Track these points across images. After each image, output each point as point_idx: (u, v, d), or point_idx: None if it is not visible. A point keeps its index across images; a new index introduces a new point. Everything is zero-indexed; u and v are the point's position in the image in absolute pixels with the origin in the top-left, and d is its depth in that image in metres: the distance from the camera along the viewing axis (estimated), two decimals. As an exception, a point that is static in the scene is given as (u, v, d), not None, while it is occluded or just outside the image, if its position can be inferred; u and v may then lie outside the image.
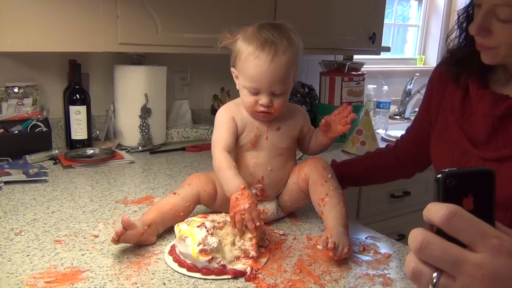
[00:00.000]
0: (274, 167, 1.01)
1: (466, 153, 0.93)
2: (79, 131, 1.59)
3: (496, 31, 0.81)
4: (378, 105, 2.38)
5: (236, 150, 1.00)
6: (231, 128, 0.98)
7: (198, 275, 0.79)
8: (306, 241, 0.96)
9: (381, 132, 2.20)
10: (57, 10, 1.33)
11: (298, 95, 2.07)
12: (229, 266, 0.81)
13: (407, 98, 2.64)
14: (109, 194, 1.20)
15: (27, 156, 1.43)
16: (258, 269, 0.82)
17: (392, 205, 1.85)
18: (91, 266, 0.81)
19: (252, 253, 0.83)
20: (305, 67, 2.24)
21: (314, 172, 0.98)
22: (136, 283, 0.76)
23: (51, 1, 1.32)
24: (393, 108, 2.63)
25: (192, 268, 0.80)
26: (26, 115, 1.54)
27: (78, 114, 1.58)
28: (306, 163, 1.01)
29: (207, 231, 0.82)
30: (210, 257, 0.79)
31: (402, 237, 1.79)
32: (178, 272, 0.80)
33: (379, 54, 2.18)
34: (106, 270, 0.80)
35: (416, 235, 0.40)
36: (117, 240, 0.83)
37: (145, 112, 1.65)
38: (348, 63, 2.05)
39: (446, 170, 0.40)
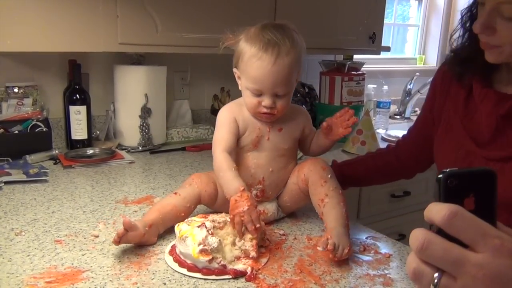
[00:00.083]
0: (275, 168, 1.01)
1: (469, 153, 0.93)
2: (79, 131, 1.59)
3: (500, 29, 0.81)
4: (378, 105, 2.38)
5: (237, 151, 0.99)
6: (232, 129, 0.98)
7: (198, 275, 0.79)
8: (307, 241, 0.96)
9: (381, 132, 2.20)
10: (57, 10, 1.33)
11: (298, 95, 2.07)
12: (230, 266, 0.81)
13: (407, 98, 2.64)
14: (109, 194, 1.20)
15: (27, 156, 1.42)
16: (259, 269, 0.82)
17: (393, 205, 1.85)
18: (91, 266, 0.81)
19: (253, 253, 0.83)
20: (305, 67, 2.24)
21: (313, 172, 0.98)
22: (137, 283, 0.76)
23: (51, 1, 1.32)
24: (393, 108, 2.62)
25: (193, 268, 0.80)
26: (26, 115, 1.54)
27: (78, 114, 1.58)
28: (305, 164, 1.01)
29: (208, 231, 0.82)
30: (210, 257, 0.79)
31: (402, 237, 1.79)
32: (179, 272, 0.80)
33: (379, 53, 2.18)
34: (107, 270, 0.80)
35: (417, 235, 0.40)
36: (118, 241, 0.83)
37: (145, 112, 1.65)
38: (348, 62, 2.05)
39: (447, 170, 0.40)
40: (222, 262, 0.80)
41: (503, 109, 0.87)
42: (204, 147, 1.69)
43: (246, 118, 0.99)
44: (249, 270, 0.80)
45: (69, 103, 1.58)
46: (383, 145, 1.58)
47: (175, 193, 0.98)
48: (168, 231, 0.95)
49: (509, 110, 0.86)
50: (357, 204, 1.73)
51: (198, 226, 0.83)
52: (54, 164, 1.44)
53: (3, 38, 1.28)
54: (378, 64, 2.73)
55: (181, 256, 0.83)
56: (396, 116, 2.65)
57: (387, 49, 2.25)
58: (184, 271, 0.80)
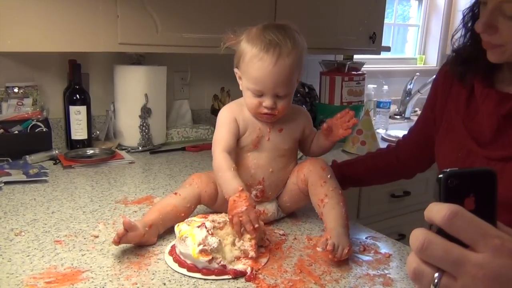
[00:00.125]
0: (275, 168, 1.01)
1: (471, 153, 0.93)
2: (79, 131, 1.59)
3: (502, 28, 0.81)
4: (378, 104, 2.38)
5: (237, 151, 0.99)
6: (232, 129, 0.97)
7: (198, 275, 0.79)
8: (307, 241, 0.96)
9: (381, 132, 2.20)
10: (57, 10, 1.33)
11: (298, 95, 2.07)
12: (230, 266, 0.81)
13: (407, 98, 2.64)
14: (109, 194, 1.19)
15: (27, 156, 1.42)
16: (259, 269, 0.82)
17: (393, 205, 1.85)
18: (91, 267, 0.81)
19: (251, 253, 0.83)
20: (305, 66, 2.23)
21: (313, 173, 0.98)
22: (136, 284, 0.76)
23: (51, 1, 1.32)
24: (393, 108, 2.62)
25: (192, 268, 0.80)
26: (26, 115, 1.54)
27: (78, 114, 1.57)
28: (305, 164, 1.01)
29: (207, 231, 0.82)
30: (210, 257, 0.79)
31: (402, 237, 1.79)
32: (178, 272, 0.80)
33: (379, 53, 2.18)
34: (106, 270, 0.80)
35: (418, 235, 0.40)
36: (118, 241, 0.83)
37: (145, 112, 1.65)
38: (348, 62, 2.05)
39: (448, 170, 0.40)
40: (222, 262, 0.80)
41: (505, 109, 0.87)
42: (204, 147, 1.69)
43: (246, 118, 0.99)
44: (249, 270, 0.80)
45: (69, 103, 1.58)
46: (383, 145, 1.58)
47: (175, 193, 0.98)
48: (168, 231, 0.95)
49: (511, 110, 0.86)
50: (357, 204, 1.73)
51: (198, 226, 0.83)
52: (54, 164, 1.44)
53: (3, 38, 1.28)
54: (378, 64, 2.73)
55: (181, 256, 0.83)
56: (396, 116, 2.65)
57: (387, 49, 2.25)
58: (184, 271, 0.80)
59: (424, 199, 1.91)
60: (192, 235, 0.81)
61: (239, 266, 0.82)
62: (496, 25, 0.81)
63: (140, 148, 1.66)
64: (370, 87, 2.47)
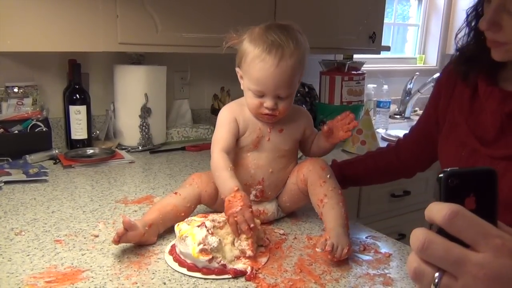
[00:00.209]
0: (275, 168, 1.01)
1: (474, 152, 0.93)
2: (79, 131, 1.59)
3: (506, 25, 0.80)
4: (378, 104, 2.38)
5: (237, 151, 0.99)
6: (232, 129, 0.97)
7: (198, 274, 0.79)
8: (307, 240, 0.96)
9: (381, 131, 2.20)
10: (57, 10, 1.33)
11: (298, 95, 2.07)
12: (230, 266, 0.81)
13: (407, 98, 2.64)
14: (109, 194, 1.19)
15: (27, 156, 1.42)
16: (259, 268, 0.82)
17: (393, 204, 1.85)
18: (91, 266, 0.81)
19: (249, 252, 0.83)
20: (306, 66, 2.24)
21: (312, 173, 0.98)
22: (136, 283, 0.76)
23: (51, 1, 1.32)
24: (393, 108, 2.62)
25: (193, 267, 0.80)
26: (26, 115, 1.54)
27: (78, 114, 1.57)
28: (304, 164, 1.01)
29: (207, 230, 0.82)
30: (210, 256, 0.79)
31: (402, 237, 1.79)
32: (179, 272, 0.80)
33: (379, 53, 2.18)
34: (106, 270, 0.80)
35: (418, 235, 0.40)
36: (118, 240, 0.83)
37: (145, 111, 1.65)
38: (348, 62, 2.05)
39: (448, 169, 0.40)
40: (222, 262, 0.80)
41: (508, 107, 0.86)
42: (204, 146, 1.69)
43: (247, 118, 0.99)
44: (249, 269, 0.80)
45: (69, 103, 1.58)
46: (383, 144, 1.58)
47: (175, 193, 0.98)
48: (168, 231, 0.95)
49: None
50: (357, 203, 1.73)
51: (198, 226, 0.83)
52: (54, 164, 1.44)
53: (3, 38, 1.28)
54: (378, 64, 2.73)
55: (181, 256, 0.83)
56: (396, 116, 2.65)
57: (387, 48, 2.25)
58: (184, 270, 0.80)
59: (424, 199, 1.91)
60: (192, 235, 0.81)
61: (239, 265, 0.82)
62: (500, 22, 0.81)
63: (140, 148, 1.66)
64: (370, 86, 2.47)
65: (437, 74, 2.52)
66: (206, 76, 2.01)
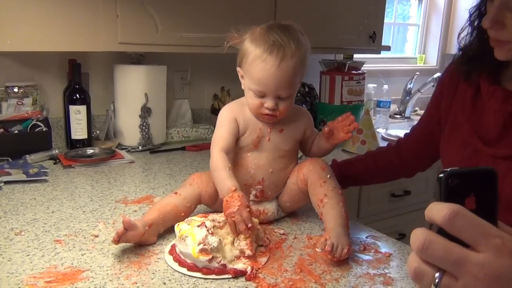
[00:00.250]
0: (275, 169, 1.01)
1: (477, 152, 0.92)
2: (79, 131, 1.59)
3: (509, 24, 0.80)
4: (379, 104, 2.38)
5: (237, 151, 0.99)
6: (232, 129, 0.97)
7: (198, 274, 0.79)
8: (307, 240, 0.96)
9: (381, 131, 2.20)
10: (57, 10, 1.33)
11: (298, 94, 2.07)
12: (230, 266, 0.81)
13: (408, 97, 2.64)
14: (109, 194, 1.19)
15: (27, 156, 1.42)
16: (259, 268, 0.82)
17: (393, 204, 1.85)
18: (91, 266, 0.81)
19: (248, 252, 0.83)
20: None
21: (312, 173, 0.98)
22: (136, 283, 0.76)
23: (51, 1, 1.32)
24: (394, 107, 2.62)
25: (193, 267, 0.80)
26: (26, 115, 1.54)
27: (78, 113, 1.57)
28: (305, 164, 1.01)
29: (208, 230, 0.82)
30: (210, 256, 0.79)
31: (402, 236, 1.79)
32: (179, 272, 0.80)
33: (379, 53, 2.18)
34: (106, 270, 0.80)
35: (418, 235, 0.40)
36: (117, 240, 0.83)
37: (145, 111, 1.65)
38: (348, 62, 2.05)
39: (448, 169, 0.40)
40: (222, 262, 0.80)
41: (511, 106, 0.86)
42: (204, 146, 1.69)
43: (247, 118, 0.99)
44: (249, 269, 0.80)
45: (69, 102, 1.58)
46: (383, 144, 1.57)
47: (176, 193, 0.98)
48: (168, 231, 0.95)
49: None
50: (357, 203, 1.73)
51: (198, 226, 0.83)
52: (54, 164, 1.44)
53: (3, 38, 1.28)
54: (378, 64, 2.73)
55: (181, 256, 0.83)
56: (396, 116, 2.65)
57: (387, 48, 2.25)
58: (184, 270, 0.80)
59: (425, 199, 1.91)
60: (192, 235, 0.81)
61: (239, 265, 0.81)
62: (503, 21, 0.81)
63: (140, 148, 1.66)
64: (370, 86, 2.47)
65: (438, 74, 2.53)
66: (206, 76, 2.01)
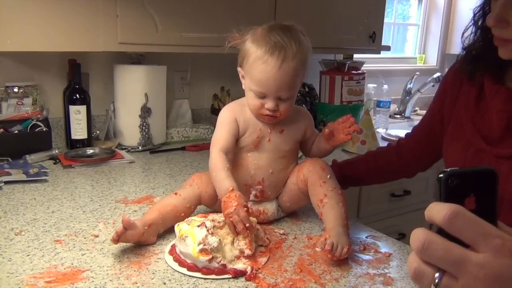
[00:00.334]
0: (275, 169, 1.01)
1: (480, 152, 0.92)
2: (79, 131, 1.59)
3: None
4: (378, 104, 2.38)
5: (237, 151, 0.99)
6: (231, 130, 0.97)
7: (198, 274, 0.79)
8: (307, 240, 0.96)
9: (381, 131, 2.20)
10: (56, 10, 1.33)
11: (298, 94, 2.07)
12: (230, 266, 0.81)
13: (407, 97, 2.64)
14: (109, 194, 1.19)
15: (27, 156, 1.42)
16: (259, 268, 0.82)
17: (393, 204, 1.85)
18: (91, 266, 0.81)
19: (247, 251, 0.83)
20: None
21: (312, 173, 0.98)
22: (136, 283, 0.76)
23: (51, 1, 1.32)
24: (393, 107, 2.62)
25: (193, 267, 0.80)
26: (26, 115, 1.54)
27: (78, 113, 1.57)
28: (305, 164, 1.01)
29: (207, 230, 0.82)
30: (210, 256, 0.79)
31: (402, 236, 1.79)
32: (179, 272, 0.80)
33: (379, 53, 2.18)
34: (106, 270, 0.80)
35: (418, 235, 0.40)
36: (117, 239, 0.83)
37: (145, 111, 1.65)
38: (348, 62, 2.05)
39: (448, 169, 0.40)
40: (222, 262, 0.80)
41: None
42: (204, 146, 1.69)
43: (247, 119, 0.99)
44: (249, 269, 0.80)
45: (69, 102, 1.58)
46: (383, 144, 1.58)
47: (176, 193, 0.98)
48: (168, 231, 0.95)
49: None
50: (357, 203, 1.73)
51: (198, 226, 0.83)
52: (54, 164, 1.44)
53: (3, 38, 1.28)
54: (378, 63, 2.73)
55: (181, 256, 0.83)
56: (396, 116, 2.65)
57: (387, 48, 2.25)
58: (184, 270, 0.80)
59: (425, 199, 1.91)
60: (192, 235, 0.81)
61: (239, 265, 0.82)
62: (507, 19, 0.80)
63: (140, 148, 1.66)
64: (370, 86, 2.46)
65: (438, 74, 2.53)
66: (206, 76, 2.01)
